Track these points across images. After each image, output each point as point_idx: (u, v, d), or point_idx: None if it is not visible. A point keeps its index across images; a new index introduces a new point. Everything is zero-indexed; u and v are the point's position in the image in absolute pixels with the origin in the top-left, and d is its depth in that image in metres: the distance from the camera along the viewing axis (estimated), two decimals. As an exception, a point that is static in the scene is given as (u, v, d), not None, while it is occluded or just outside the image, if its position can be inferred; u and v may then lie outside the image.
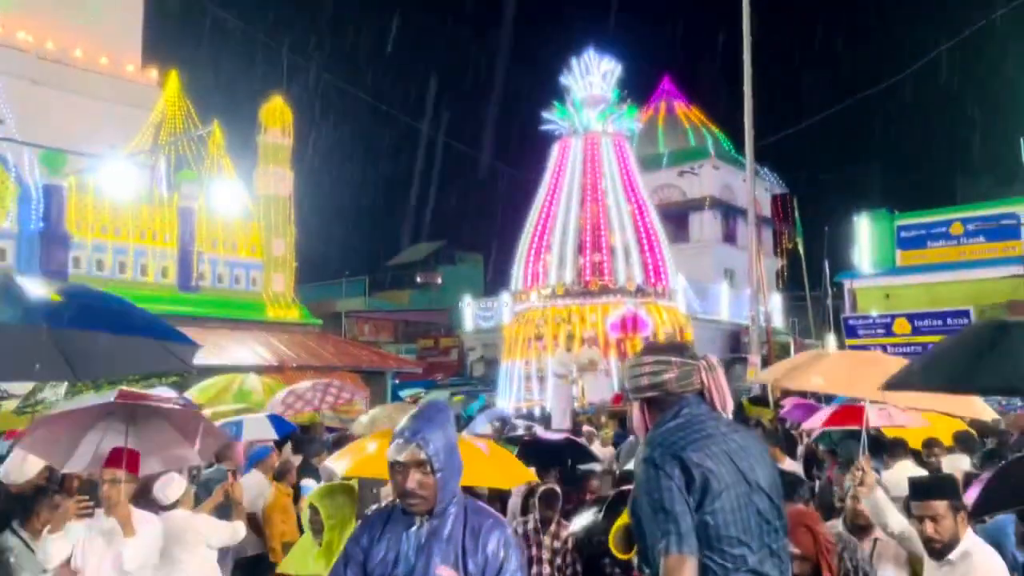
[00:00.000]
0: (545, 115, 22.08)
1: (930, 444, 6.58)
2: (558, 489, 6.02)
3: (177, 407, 5.29)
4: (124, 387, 5.44)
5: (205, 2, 23.54)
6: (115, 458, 4.41)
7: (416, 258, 47.92)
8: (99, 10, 20.64)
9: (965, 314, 15.69)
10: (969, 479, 4.91)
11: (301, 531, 7.26)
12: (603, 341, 18.89)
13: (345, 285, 42.77)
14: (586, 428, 11.61)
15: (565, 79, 21.90)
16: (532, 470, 6.02)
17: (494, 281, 40.65)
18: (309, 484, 7.61)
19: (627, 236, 20.82)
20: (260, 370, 14.61)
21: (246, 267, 19.34)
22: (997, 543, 3.73)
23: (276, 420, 9.40)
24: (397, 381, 23.48)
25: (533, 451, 7.41)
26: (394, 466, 2.52)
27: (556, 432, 10.61)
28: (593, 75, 21.81)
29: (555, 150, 22.08)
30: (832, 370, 5.57)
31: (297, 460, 8.25)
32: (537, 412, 17.09)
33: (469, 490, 4.62)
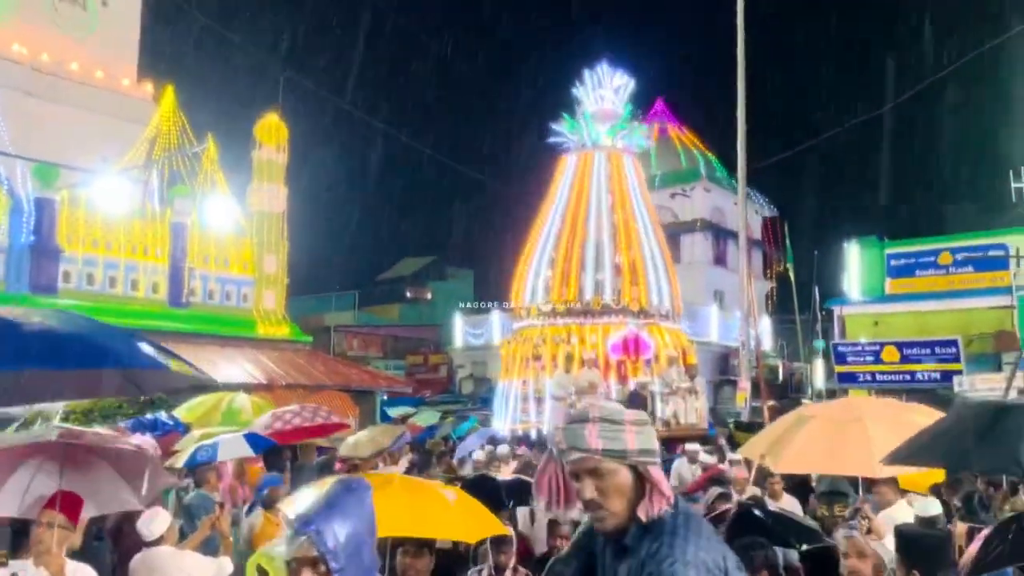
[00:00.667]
0: (553, 127, 21.31)
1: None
2: (511, 532, 5.39)
3: (127, 446, 4.93)
4: (67, 424, 5.20)
5: (204, 18, 23.53)
6: (52, 501, 4.04)
7: (406, 273, 47.91)
8: (95, 23, 20.64)
9: (953, 343, 15.81)
10: (972, 532, 4.90)
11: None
12: (603, 363, 18.04)
13: (335, 299, 42.70)
14: None
15: (576, 91, 21.20)
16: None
17: (485, 298, 40.70)
18: None
19: (632, 255, 20.12)
20: (249, 388, 14.56)
21: (237, 283, 19.29)
22: None
23: (253, 438, 9.18)
24: (386, 398, 23.43)
25: (479, 492, 6.10)
26: (288, 563, 2.13)
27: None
28: (605, 88, 21.05)
29: (562, 164, 21.47)
30: (814, 443, 5.58)
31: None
32: (534, 435, 16.75)
33: (429, 544, 4.30)
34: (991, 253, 17.79)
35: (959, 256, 18.49)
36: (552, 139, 21.22)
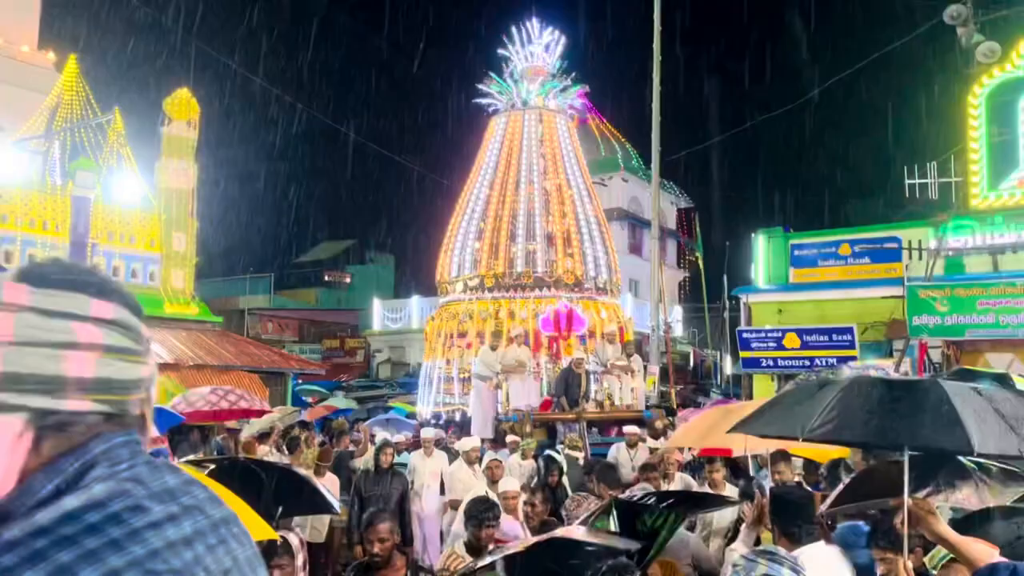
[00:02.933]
0: (481, 87, 19.58)
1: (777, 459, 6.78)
2: (280, 537, 4.69)
3: None
4: None
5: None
6: None
7: (325, 256, 47.24)
8: (-7, -14, 19.66)
9: (849, 331, 16.51)
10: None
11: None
12: (533, 340, 16.55)
13: (249, 282, 41.77)
14: (510, 438, 10.78)
15: (504, 49, 19.47)
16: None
17: (406, 282, 40.50)
18: None
19: (566, 224, 18.54)
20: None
21: (144, 261, 18.73)
22: (849, 545, 4.00)
23: (160, 413, 8.96)
24: (299, 382, 23.12)
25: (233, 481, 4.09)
26: None
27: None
28: (535, 45, 19.34)
29: (490, 127, 19.70)
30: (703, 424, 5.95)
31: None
32: (458, 418, 15.97)
33: None
34: (886, 245, 18.63)
35: (857, 248, 19.28)
36: (479, 100, 19.68)
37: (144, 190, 18.94)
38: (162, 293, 18.90)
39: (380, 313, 32.58)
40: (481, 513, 4.79)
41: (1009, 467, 3.78)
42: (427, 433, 10.30)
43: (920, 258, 18.00)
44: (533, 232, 18.39)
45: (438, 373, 18.35)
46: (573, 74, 20.07)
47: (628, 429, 10.51)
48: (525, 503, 6.18)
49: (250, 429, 10.05)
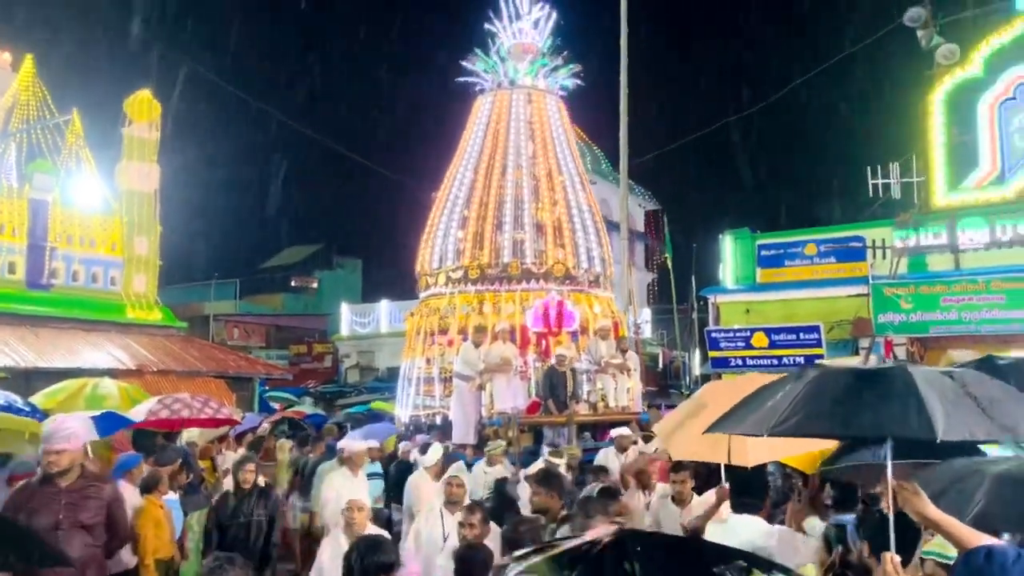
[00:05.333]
0: (465, 65, 18.10)
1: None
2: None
3: None
4: None
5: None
6: None
7: (292, 261, 46.80)
8: (-54, -16, 19.18)
9: (815, 329, 16.66)
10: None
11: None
12: (520, 336, 15.27)
13: (215, 287, 41.24)
14: (492, 443, 9.76)
15: (490, 25, 18.04)
16: None
17: (374, 287, 40.22)
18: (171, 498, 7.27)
19: (557, 211, 17.14)
20: (116, 374, 13.88)
21: (105, 265, 18.33)
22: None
23: (107, 419, 8.67)
24: (266, 387, 22.80)
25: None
26: None
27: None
28: (523, 21, 17.98)
29: (475, 107, 18.30)
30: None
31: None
32: (439, 422, 14.96)
33: None
34: (851, 245, 18.85)
35: (823, 248, 19.48)
36: (463, 79, 18.24)
37: (104, 193, 18.57)
38: (123, 298, 18.51)
39: (348, 318, 32.32)
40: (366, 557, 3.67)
41: None
42: (352, 445, 8.23)
43: (884, 257, 18.24)
44: (521, 221, 17.07)
45: (417, 373, 16.99)
46: (565, 53, 18.60)
47: (617, 432, 9.54)
48: (460, 523, 5.13)
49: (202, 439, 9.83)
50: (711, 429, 3.63)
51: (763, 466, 5.16)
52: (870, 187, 19.33)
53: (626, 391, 12.80)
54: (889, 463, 2.94)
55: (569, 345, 14.19)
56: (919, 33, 18.23)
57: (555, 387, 11.94)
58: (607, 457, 9.18)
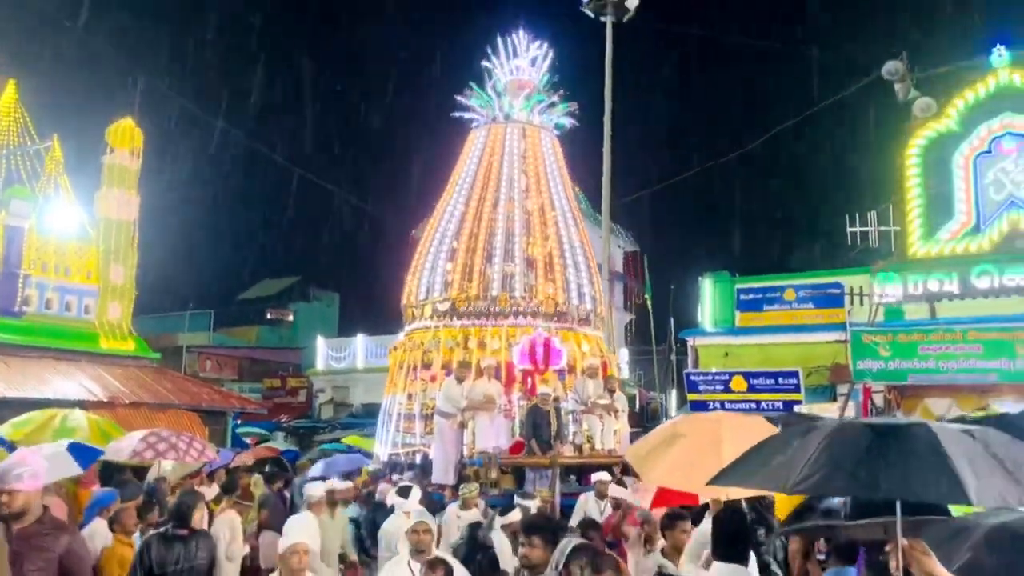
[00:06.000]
0: (460, 99, 18.08)
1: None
2: None
3: None
4: None
5: (59, 17, 22.15)
6: None
7: (267, 293, 46.41)
8: (-72, 6, 19.06)
9: (794, 374, 16.73)
10: None
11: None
12: (505, 372, 14.78)
13: (189, 318, 40.73)
14: (466, 486, 9.10)
15: (487, 62, 18.01)
16: None
17: (351, 321, 39.95)
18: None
19: (548, 246, 16.88)
20: (87, 405, 13.57)
21: (79, 293, 18.02)
22: None
23: (78, 449, 8.43)
24: (239, 422, 22.44)
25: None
26: None
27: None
28: (520, 59, 17.97)
29: (468, 140, 18.21)
30: (679, 458, 5.41)
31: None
32: (419, 461, 14.50)
33: None
34: (829, 291, 19.05)
35: (801, 293, 19.67)
36: (458, 113, 18.20)
37: (82, 220, 18.34)
38: (97, 327, 18.19)
39: (324, 352, 32.01)
40: None
41: None
42: (312, 490, 7.93)
43: (862, 304, 18.43)
44: (512, 254, 16.73)
45: (398, 409, 16.46)
46: (561, 90, 18.57)
47: (597, 477, 9.15)
48: None
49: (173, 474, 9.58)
50: (719, 481, 3.50)
51: (744, 512, 5.08)
52: (848, 235, 19.62)
53: (613, 433, 12.30)
54: (899, 522, 2.86)
55: (555, 383, 13.75)
56: (897, 86, 18.68)
57: (538, 426, 11.53)
58: (587, 503, 8.82)
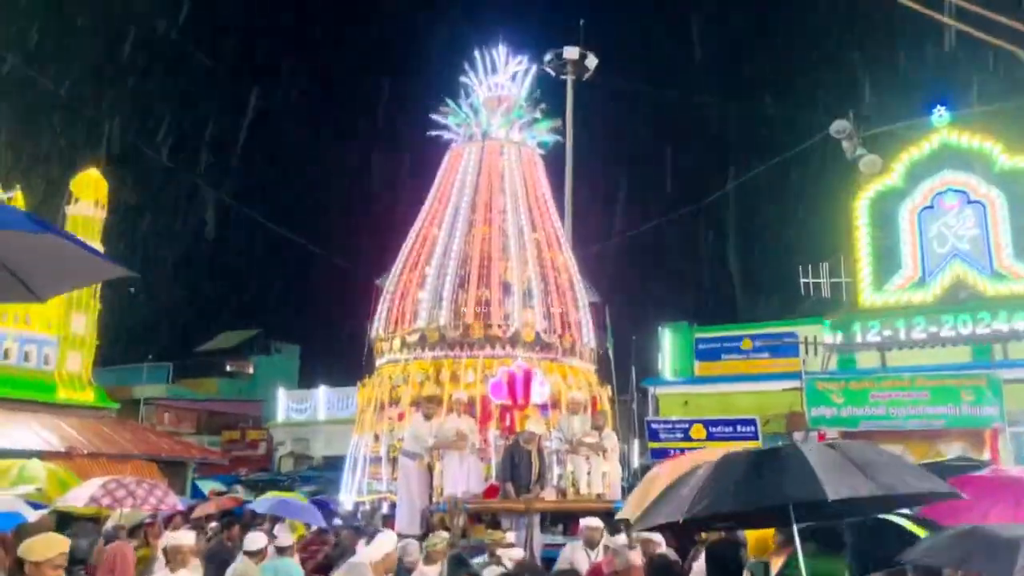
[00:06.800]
0: (435, 117, 16.94)
1: None
2: None
3: None
4: None
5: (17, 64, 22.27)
6: None
7: (227, 345, 45.93)
8: None
9: (752, 422, 17.06)
10: None
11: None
12: (480, 407, 13.38)
13: (147, 370, 40.09)
14: (433, 536, 7.89)
15: (465, 77, 17.00)
16: None
17: (311, 373, 39.63)
18: None
19: (528, 271, 15.31)
20: (45, 456, 13.41)
21: (39, 343, 17.83)
22: None
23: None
24: (198, 475, 22.10)
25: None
26: None
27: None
28: (499, 75, 16.89)
29: (447, 160, 16.96)
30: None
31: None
32: (386, 509, 13.19)
33: None
34: (784, 341, 19.58)
35: (758, 343, 20.16)
36: (434, 132, 17.05)
37: (44, 270, 18.23)
38: (56, 377, 17.98)
39: (285, 403, 31.68)
40: None
41: None
42: (180, 540, 6.46)
43: (815, 353, 18.98)
44: (488, 280, 15.21)
45: (364, 452, 14.97)
46: (542, 106, 17.44)
47: (586, 523, 8.01)
48: None
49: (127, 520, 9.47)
50: (638, 525, 4.04)
51: (738, 542, 5.36)
52: (802, 285, 20.28)
53: (601, 476, 10.87)
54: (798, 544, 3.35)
55: (538, 420, 12.29)
56: (844, 144, 19.55)
57: (517, 468, 10.35)
58: (574, 552, 7.71)
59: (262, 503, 11.04)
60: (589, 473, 10.88)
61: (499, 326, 14.91)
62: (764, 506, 3.57)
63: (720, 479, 3.65)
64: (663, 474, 6.07)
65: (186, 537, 6.30)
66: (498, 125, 16.61)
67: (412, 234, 16.40)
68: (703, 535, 6.17)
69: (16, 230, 2.84)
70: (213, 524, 11.24)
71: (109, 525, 9.92)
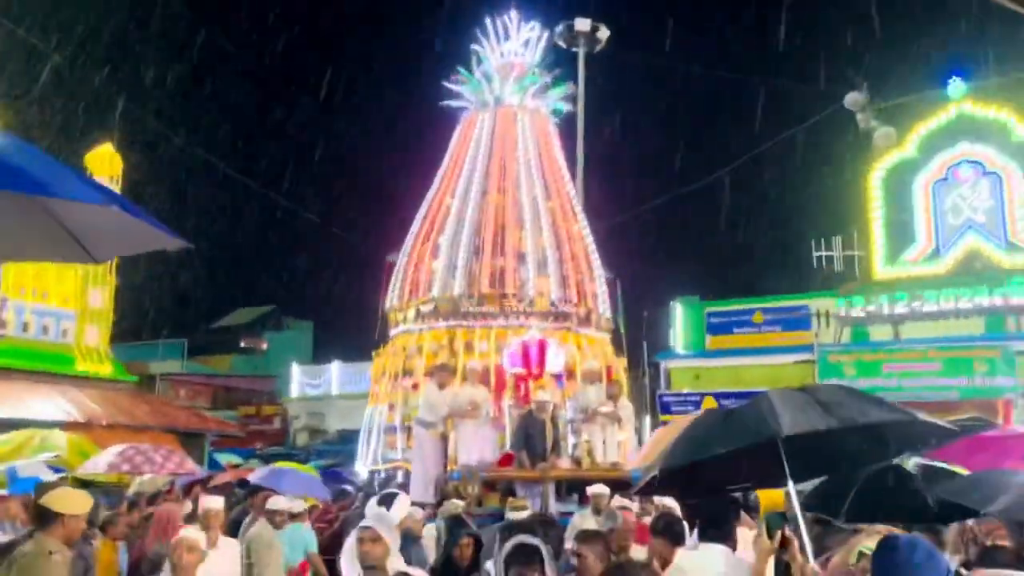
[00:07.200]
0: (448, 85, 16.68)
1: None
2: None
3: None
4: None
5: (34, 42, 22.31)
6: None
7: (241, 321, 46.28)
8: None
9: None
10: None
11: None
12: (494, 376, 13.26)
13: (162, 347, 40.46)
14: (448, 503, 8.05)
15: (477, 45, 16.66)
16: None
17: (325, 349, 39.93)
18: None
19: (543, 240, 15.15)
20: (65, 426, 13.63)
21: (57, 316, 18.04)
22: None
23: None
24: (214, 448, 22.38)
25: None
26: None
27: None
28: (512, 41, 16.58)
29: (458, 128, 16.72)
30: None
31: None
32: (401, 477, 13.14)
33: None
34: (796, 314, 19.60)
35: (769, 316, 20.19)
36: (446, 102, 16.84)
37: (60, 244, 18.42)
38: (75, 350, 18.21)
39: (299, 379, 31.99)
40: None
41: None
42: (210, 503, 6.27)
43: (828, 326, 18.99)
44: (502, 249, 14.98)
45: (379, 421, 14.87)
46: (557, 71, 17.23)
47: (592, 490, 8.08)
48: None
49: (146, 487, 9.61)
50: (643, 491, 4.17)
51: (728, 496, 5.44)
52: (814, 259, 20.25)
53: (616, 445, 10.79)
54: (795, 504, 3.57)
55: (553, 389, 12.23)
56: (858, 116, 19.43)
57: (531, 437, 10.31)
58: (584, 520, 7.60)
59: (258, 474, 10.67)
60: (604, 442, 10.84)
61: (514, 295, 14.73)
62: (730, 449, 3.58)
63: (693, 430, 3.84)
64: (671, 428, 6.18)
65: (216, 501, 6.35)
66: (511, 92, 16.35)
67: (426, 204, 16.25)
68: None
69: (80, 200, 2.82)
70: (238, 491, 11.42)
71: (131, 491, 10.12)
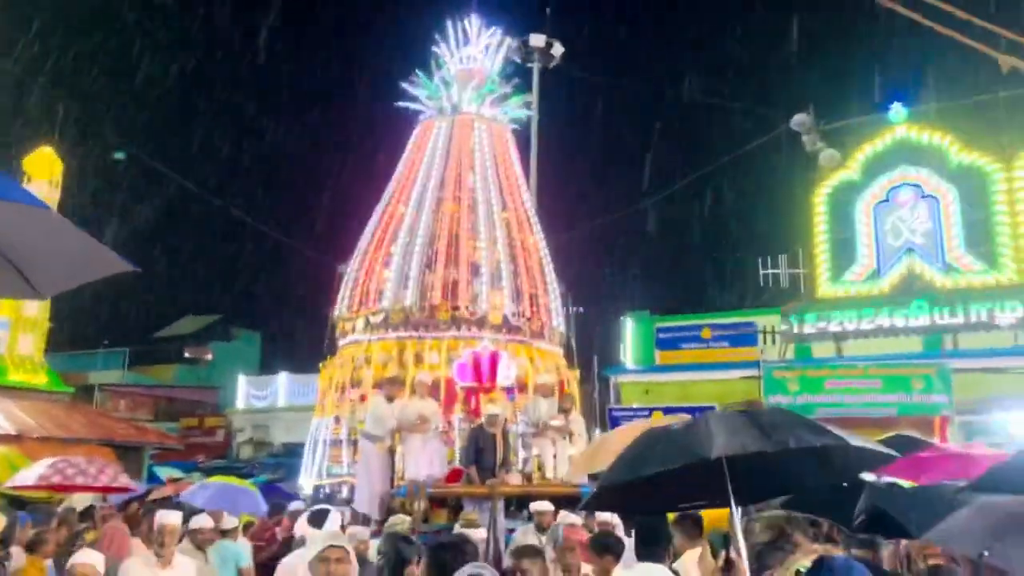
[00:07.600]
0: (406, 87, 16.46)
1: None
2: None
3: None
4: None
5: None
6: None
7: (186, 331, 45.24)
8: None
9: (711, 409, 17.27)
10: None
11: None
12: (444, 389, 13.06)
13: (102, 356, 39.35)
14: (395, 518, 7.75)
15: (437, 48, 16.46)
16: None
17: (273, 360, 39.28)
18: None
19: (497, 251, 15.00)
20: (-6, 439, 13.14)
21: (-11, 324, 17.44)
22: None
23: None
24: (154, 461, 21.78)
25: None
26: None
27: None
28: (472, 47, 16.40)
29: (414, 134, 16.49)
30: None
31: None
32: (346, 492, 12.94)
33: None
34: (743, 330, 19.88)
35: (717, 332, 20.44)
36: (403, 104, 16.59)
37: (-5, 250, 17.80)
38: (7, 360, 17.58)
39: (245, 390, 31.39)
40: None
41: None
42: (167, 519, 6.04)
43: (773, 343, 19.30)
44: (456, 259, 14.83)
45: (325, 435, 14.56)
46: (515, 80, 17.29)
47: (535, 507, 7.85)
48: None
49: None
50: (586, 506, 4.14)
51: (663, 518, 5.45)
52: (760, 277, 20.59)
53: (567, 459, 10.60)
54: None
55: (504, 403, 12.10)
56: (804, 138, 19.85)
57: (482, 452, 10.13)
58: (526, 536, 7.49)
59: (193, 492, 10.07)
60: (555, 457, 10.72)
61: (466, 308, 14.51)
62: (666, 468, 3.53)
63: (636, 448, 3.80)
64: (613, 439, 6.19)
65: (173, 516, 6.09)
66: (469, 99, 16.21)
67: (378, 210, 15.97)
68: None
69: (15, 202, 2.56)
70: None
71: (61, 509, 9.78)
